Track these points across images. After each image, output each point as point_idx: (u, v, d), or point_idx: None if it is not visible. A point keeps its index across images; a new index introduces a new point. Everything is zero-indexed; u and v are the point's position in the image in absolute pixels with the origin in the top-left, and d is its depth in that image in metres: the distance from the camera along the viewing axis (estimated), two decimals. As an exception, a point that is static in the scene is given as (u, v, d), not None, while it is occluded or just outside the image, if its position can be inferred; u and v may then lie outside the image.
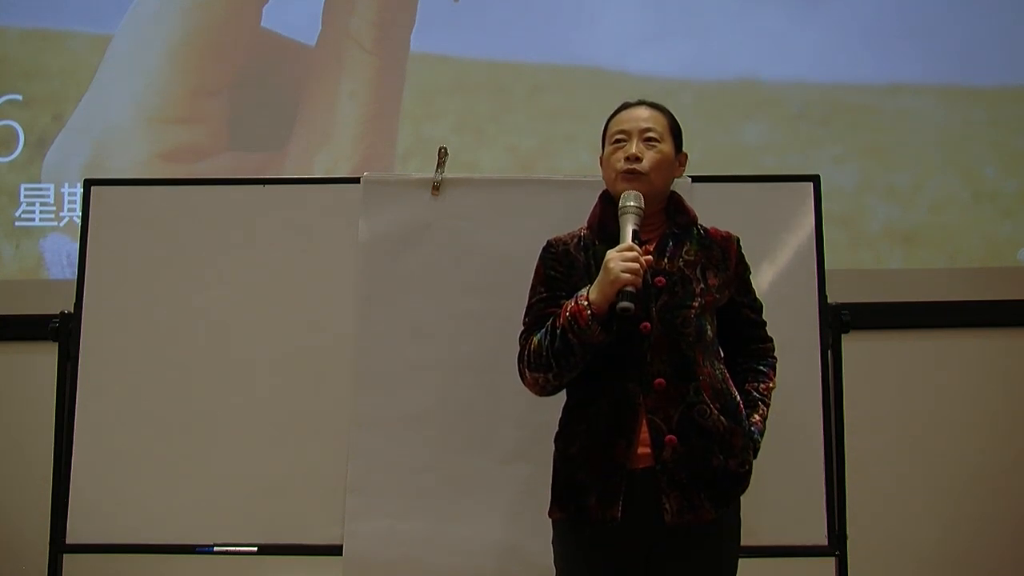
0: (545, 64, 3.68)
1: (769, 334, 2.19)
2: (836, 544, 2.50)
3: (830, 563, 2.51)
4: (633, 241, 1.92)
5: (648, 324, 1.96)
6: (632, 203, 1.97)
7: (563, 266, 2.06)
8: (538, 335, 1.99)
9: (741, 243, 2.13)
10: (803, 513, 2.49)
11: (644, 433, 1.95)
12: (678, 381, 1.96)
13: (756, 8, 3.67)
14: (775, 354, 2.19)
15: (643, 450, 1.95)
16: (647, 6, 3.68)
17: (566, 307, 1.95)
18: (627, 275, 1.86)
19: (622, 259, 1.88)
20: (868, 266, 3.55)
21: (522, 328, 2.07)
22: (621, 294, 1.86)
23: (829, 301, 2.55)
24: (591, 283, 1.96)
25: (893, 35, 3.63)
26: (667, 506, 1.93)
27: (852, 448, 2.54)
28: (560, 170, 3.50)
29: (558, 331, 1.94)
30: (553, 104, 3.66)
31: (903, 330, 3.50)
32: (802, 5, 3.66)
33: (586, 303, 1.90)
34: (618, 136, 2.06)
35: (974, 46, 3.63)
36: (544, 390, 2.03)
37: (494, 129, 3.66)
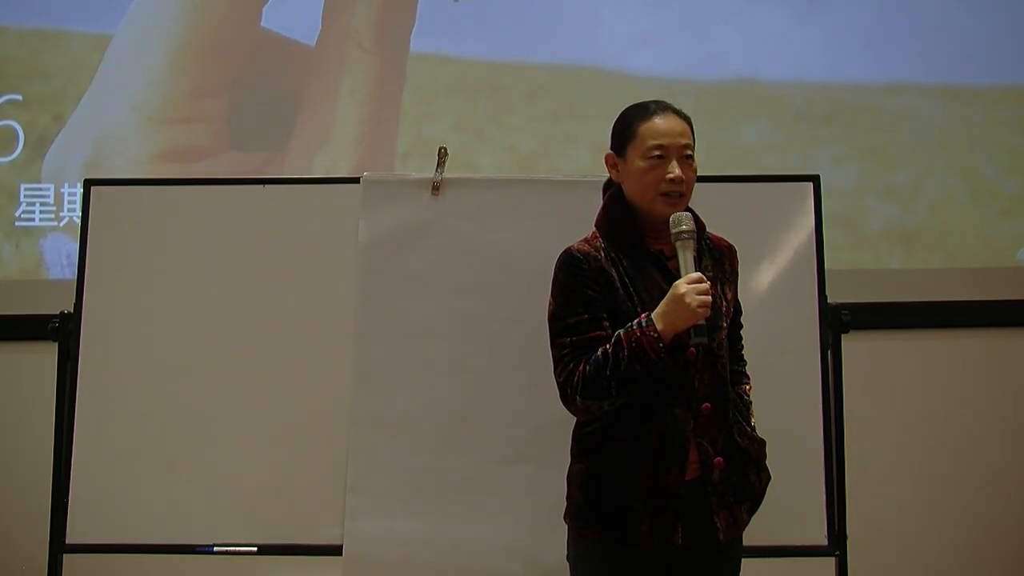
0: (545, 64, 3.67)
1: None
2: (836, 544, 2.50)
3: (830, 563, 2.51)
4: (696, 268, 1.90)
5: (694, 349, 1.92)
6: (686, 227, 1.91)
7: (600, 285, 1.95)
8: (591, 363, 1.90)
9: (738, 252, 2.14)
10: (803, 513, 2.49)
11: (693, 456, 1.94)
12: (719, 403, 1.97)
13: (756, 8, 3.67)
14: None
15: (692, 467, 1.95)
16: (647, 6, 3.68)
17: (630, 336, 1.87)
18: (703, 310, 1.83)
19: (696, 292, 1.84)
20: (868, 266, 3.55)
21: (563, 349, 1.95)
22: (696, 328, 1.84)
23: (829, 301, 2.55)
24: (631, 302, 1.94)
25: (893, 35, 3.63)
26: (719, 524, 1.94)
27: (852, 448, 2.54)
28: (560, 170, 3.50)
29: (623, 361, 1.86)
30: (553, 104, 3.65)
31: (903, 330, 3.50)
32: (802, 5, 3.66)
33: (655, 335, 1.85)
34: (658, 152, 1.96)
35: (974, 46, 3.63)
36: (594, 415, 1.96)
37: (494, 129, 3.66)
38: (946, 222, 3.57)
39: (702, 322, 1.84)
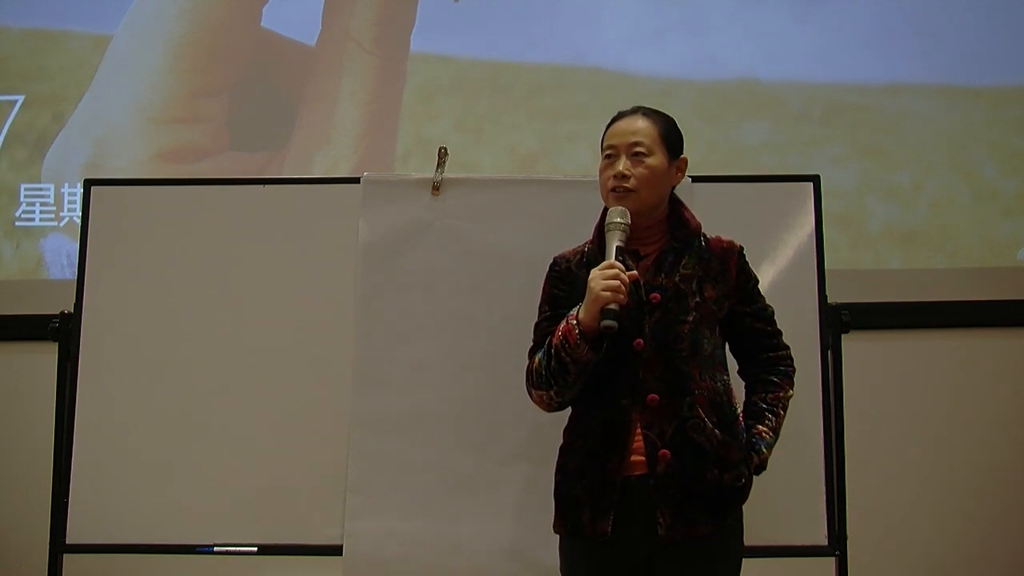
0: (545, 64, 3.68)
1: (784, 343, 2.15)
2: (836, 544, 2.49)
3: (830, 563, 2.51)
4: (618, 257, 1.92)
5: (641, 341, 1.96)
6: (618, 219, 1.97)
7: (566, 284, 2.08)
8: (539, 354, 2.02)
9: (745, 253, 2.10)
10: (803, 513, 2.49)
11: (639, 447, 1.95)
12: (672, 396, 1.96)
13: (756, 8, 3.67)
14: (792, 363, 2.14)
15: (637, 458, 1.95)
16: (647, 6, 3.69)
17: (559, 326, 1.96)
18: (607, 294, 1.86)
19: (603, 277, 1.88)
20: (868, 266, 3.55)
21: (531, 345, 2.09)
22: (604, 312, 1.86)
23: (829, 301, 2.55)
24: None
25: (893, 35, 3.63)
26: (661, 520, 1.92)
27: (852, 448, 2.54)
28: (560, 170, 3.50)
29: (552, 350, 1.95)
30: (553, 104, 3.66)
31: (903, 330, 3.50)
32: (802, 5, 3.66)
33: (575, 323, 1.91)
34: (608, 151, 2.06)
35: (974, 46, 3.63)
36: (550, 407, 2.04)
37: (494, 129, 3.66)
38: (946, 222, 3.57)
39: (613, 306, 1.86)
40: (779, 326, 2.17)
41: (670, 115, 2.12)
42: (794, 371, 2.15)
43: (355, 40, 3.67)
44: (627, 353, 1.96)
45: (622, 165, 2.01)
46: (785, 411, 2.10)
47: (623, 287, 1.88)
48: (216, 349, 2.57)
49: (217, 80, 3.69)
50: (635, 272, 1.95)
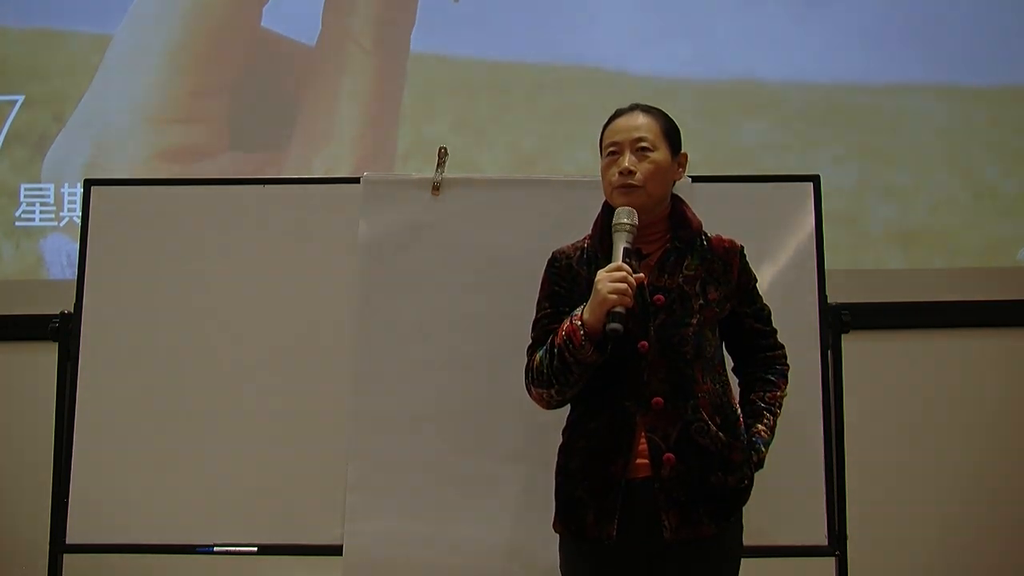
0: (545, 64, 3.67)
1: (780, 341, 2.16)
2: (836, 544, 2.50)
3: (830, 563, 2.51)
4: (626, 259, 1.90)
5: (646, 343, 1.95)
6: (625, 220, 1.95)
7: (566, 281, 2.06)
8: (540, 352, 2.00)
9: (745, 252, 2.10)
10: (803, 513, 2.49)
11: (643, 450, 1.95)
12: (676, 399, 1.95)
13: (756, 8, 3.67)
14: (786, 361, 2.16)
15: (641, 461, 1.95)
16: (647, 6, 3.68)
17: (563, 326, 1.94)
18: (614, 296, 1.84)
19: (610, 279, 1.86)
20: (868, 266, 3.55)
21: (530, 342, 2.08)
22: (610, 315, 1.85)
23: (829, 301, 2.55)
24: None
25: (893, 35, 3.63)
26: (666, 522, 1.92)
27: (852, 448, 2.54)
28: (560, 170, 3.50)
29: (555, 350, 1.94)
30: (553, 104, 3.66)
31: (903, 330, 3.50)
32: (802, 5, 3.66)
33: (579, 323, 1.90)
34: (611, 148, 2.04)
35: (974, 46, 3.63)
36: (549, 405, 2.03)
37: (494, 129, 3.66)
38: (946, 222, 3.57)
39: (619, 309, 1.85)
40: (779, 325, 2.17)
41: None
42: (788, 369, 2.16)
43: (355, 40, 3.67)
44: (631, 355, 1.95)
45: (627, 161, 2.00)
46: (780, 409, 2.11)
47: (630, 290, 1.86)
48: (216, 349, 2.57)
49: (217, 80, 3.69)
50: (642, 275, 1.94)
